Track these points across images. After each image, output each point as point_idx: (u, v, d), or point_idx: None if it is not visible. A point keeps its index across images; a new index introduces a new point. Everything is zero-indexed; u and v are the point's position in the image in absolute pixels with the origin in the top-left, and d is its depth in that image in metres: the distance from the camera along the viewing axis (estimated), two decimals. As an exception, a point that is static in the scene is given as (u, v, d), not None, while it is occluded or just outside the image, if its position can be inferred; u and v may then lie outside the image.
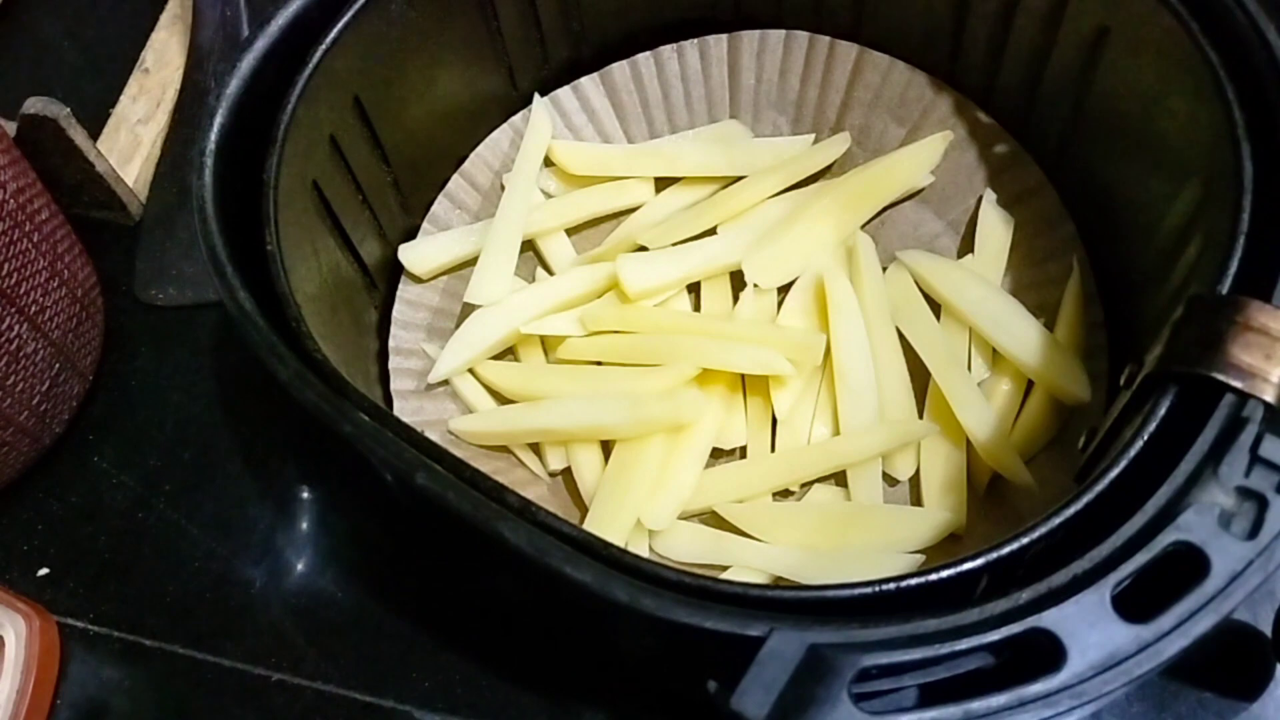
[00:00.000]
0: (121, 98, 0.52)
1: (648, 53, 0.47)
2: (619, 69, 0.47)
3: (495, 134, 0.47)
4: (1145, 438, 0.29)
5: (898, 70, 0.45)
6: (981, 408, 0.40)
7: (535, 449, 0.42)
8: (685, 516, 0.40)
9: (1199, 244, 0.33)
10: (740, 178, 0.46)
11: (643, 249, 0.45)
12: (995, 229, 0.44)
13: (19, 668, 0.39)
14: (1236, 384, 0.28)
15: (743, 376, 0.42)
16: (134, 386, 0.47)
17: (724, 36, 0.47)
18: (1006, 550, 0.28)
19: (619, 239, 0.45)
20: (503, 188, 0.46)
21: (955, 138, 0.45)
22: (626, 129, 0.48)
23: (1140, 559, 0.26)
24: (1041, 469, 0.39)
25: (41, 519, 0.44)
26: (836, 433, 0.41)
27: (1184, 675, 0.38)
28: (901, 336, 0.42)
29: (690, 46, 0.47)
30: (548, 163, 0.47)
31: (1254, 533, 0.26)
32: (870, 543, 0.38)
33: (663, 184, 0.47)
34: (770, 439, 0.41)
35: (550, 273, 0.46)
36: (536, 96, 0.46)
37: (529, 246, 0.46)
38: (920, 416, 0.41)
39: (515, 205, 0.45)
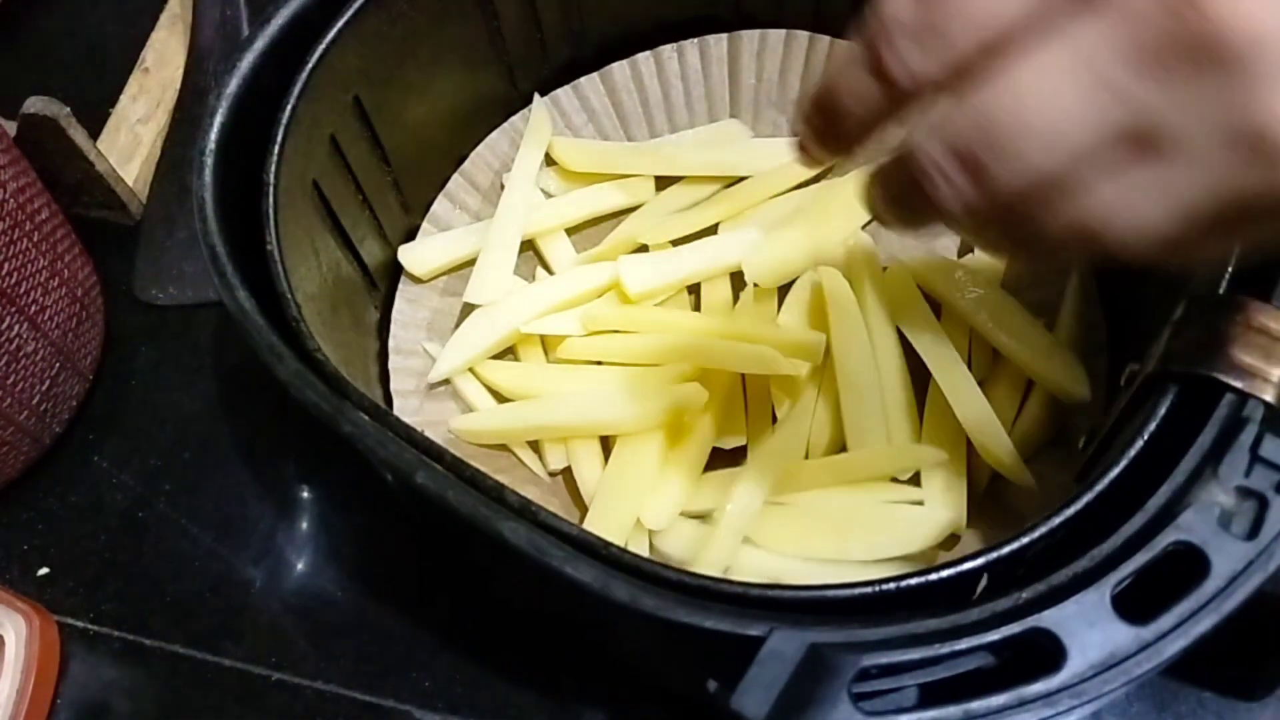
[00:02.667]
0: (121, 97, 0.52)
1: (648, 52, 0.47)
2: (619, 69, 0.47)
3: (495, 134, 0.47)
4: (1145, 438, 0.29)
5: (898, 70, 0.45)
6: (982, 407, 0.40)
7: (535, 448, 0.42)
8: (686, 515, 0.40)
9: (1199, 244, 0.33)
10: (741, 178, 0.46)
11: (643, 248, 0.45)
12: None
13: (19, 667, 0.39)
14: (1236, 384, 0.28)
15: (742, 376, 0.42)
16: (134, 386, 0.47)
17: (724, 36, 0.47)
18: (1006, 550, 0.28)
19: (619, 238, 0.45)
20: (503, 187, 0.46)
21: (955, 137, 0.45)
22: (627, 129, 0.48)
23: (1140, 559, 0.26)
24: (1041, 469, 0.39)
25: (41, 519, 0.44)
26: (838, 431, 0.41)
27: (1184, 675, 0.38)
28: (902, 336, 0.42)
29: (690, 46, 0.47)
30: (549, 162, 0.47)
31: (1254, 533, 0.26)
32: (870, 546, 0.38)
33: (663, 183, 0.47)
34: (770, 439, 0.41)
35: (550, 272, 0.45)
36: (537, 96, 0.46)
37: (529, 246, 0.46)
38: (921, 416, 0.41)
39: (515, 204, 0.45)
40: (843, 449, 0.41)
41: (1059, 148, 0.19)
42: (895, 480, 0.40)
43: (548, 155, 0.47)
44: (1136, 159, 0.19)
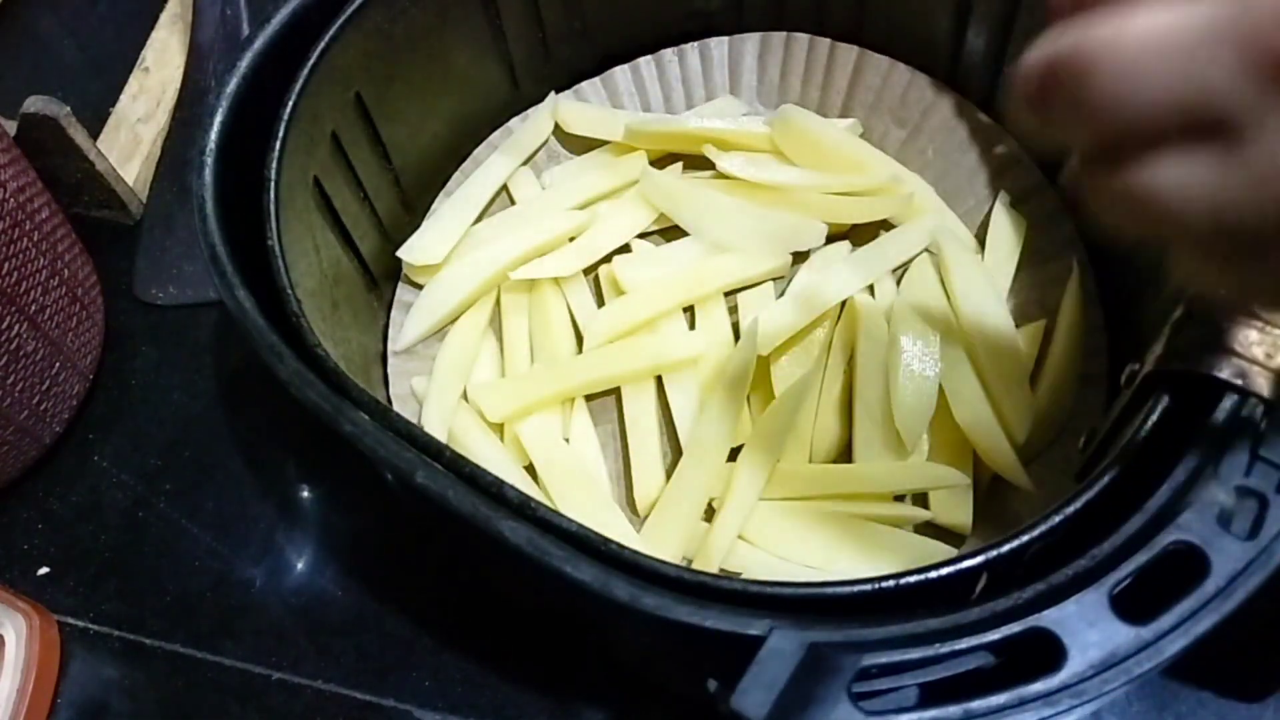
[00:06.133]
0: (121, 97, 0.52)
1: (649, 56, 0.47)
2: (620, 73, 0.47)
3: (496, 133, 0.47)
4: (1145, 437, 0.29)
5: (898, 72, 0.45)
6: (981, 408, 0.40)
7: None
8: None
9: (1199, 244, 0.33)
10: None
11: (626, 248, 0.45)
12: (1007, 231, 0.43)
13: (19, 667, 0.39)
14: (1237, 382, 0.28)
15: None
16: (134, 386, 0.47)
17: (725, 39, 0.47)
18: (1006, 550, 0.28)
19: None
20: (504, 187, 0.46)
21: (955, 138, 0.45)
22: (627, 130, 0.48)
23: (1140, 558, 0.26)
24: (1041, 469, 0.39)
25: (42, 518, 0.44)
26: (842, 424, 0.41)
27: (1184, 675, 0.38)
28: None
29: (691, 49, 0.47)
30: (552, 157, 0.47)
31: (1254, 532, 0.26)
32: (856, 569, 0.38)
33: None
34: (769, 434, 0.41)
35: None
36: (553, 94, 0.46)
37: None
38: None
39: (490, 179, 0.45)
40: (846, 451, 0.41)
41: (1140, 93, 0.19)
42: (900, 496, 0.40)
43: (550, 152, 0.47)
44: (1204, 142, 0.19)
